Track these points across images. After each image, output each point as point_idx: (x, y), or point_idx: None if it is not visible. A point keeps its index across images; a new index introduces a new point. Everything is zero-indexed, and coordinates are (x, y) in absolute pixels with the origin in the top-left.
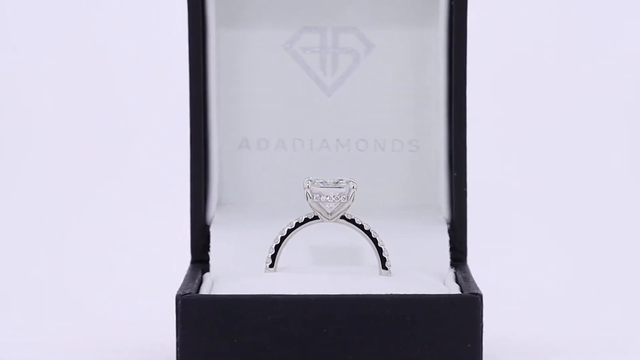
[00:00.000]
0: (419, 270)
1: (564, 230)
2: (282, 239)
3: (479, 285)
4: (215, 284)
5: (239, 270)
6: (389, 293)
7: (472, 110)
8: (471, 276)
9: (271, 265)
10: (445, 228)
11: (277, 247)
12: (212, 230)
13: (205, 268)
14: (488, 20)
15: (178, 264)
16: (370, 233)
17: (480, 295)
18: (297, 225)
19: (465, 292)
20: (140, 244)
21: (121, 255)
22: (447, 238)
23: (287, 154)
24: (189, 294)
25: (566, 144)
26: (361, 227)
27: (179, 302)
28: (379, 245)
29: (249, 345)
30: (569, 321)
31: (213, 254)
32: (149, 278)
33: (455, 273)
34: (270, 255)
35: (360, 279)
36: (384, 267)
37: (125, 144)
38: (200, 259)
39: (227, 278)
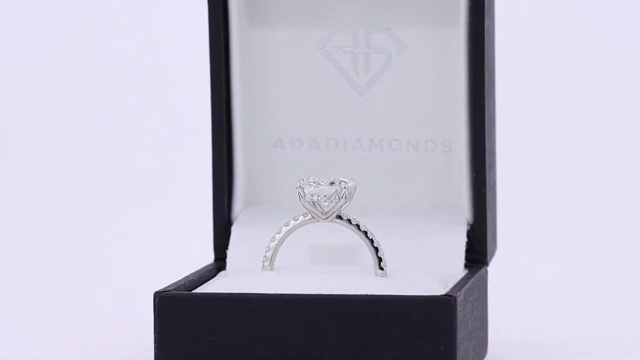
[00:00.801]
0: (418, 271)
1: (593, 233)
2: (279, 238)
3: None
4: (215, 282)
5: (253, 269)
6: (370, 293)
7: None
8: (474, 277)
9: (268, 264)
10: (464, 229)
11: (274, 247)
12: (233, 228)
13: (225, 266)
14: (513, 20)
15: (203, 263)
16: (367, 233)
17: (454, 298)
18: (293, 225)
19: (440, 294)
20: (166, 243)
21: (144, 254)
22: (464, 239)
23: (320, 154)
24: (167, 291)
25: (597, 144)
26: (357, 227)
27: (156, 299)
28: (375, 245)
29: (224, 343)
30: (587, 325)
31: (231, 252)
32: (173, 276)
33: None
34: (266, 254)
35: (351, 279)
36: (380, 268)
37: (150, 144)
38: (223, 257)
39: (230, 276)
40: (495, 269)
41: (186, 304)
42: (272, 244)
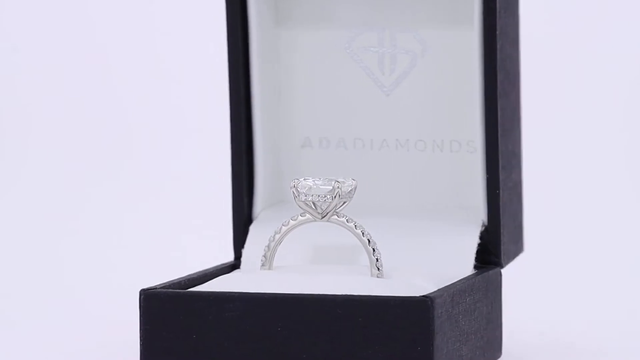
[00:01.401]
0: (416, 271)
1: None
2: (277, 237)
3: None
4: (214, 280)
5: (281, 266)
6: (352, 293)
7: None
8: (476, 279)
9: (266, 263)
10: (477, 230)
11: (273, 246)
12: (251, 227)
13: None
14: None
15: (222, 261)
16: (363, 233)
17: (430, 299)
18: (291, 224)
19: (417, 296)
20: (189, 241)
21: (165, 252)
22: (475, 240)
23: (347, 153)
24: (152, 288)
25: (634, 145)
26: (353, 227)
27: (142, 296)
28: (371, 245)
29: (207, 341)
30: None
31: (246, 250)
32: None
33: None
34: (265, 253)
35: (343, 279)
36: (375, 268)
37: (172, 143)
38: (241, 255)
39: (231, 274)
40: (519, 270)
41: (170, 302)
42: (270, 243)
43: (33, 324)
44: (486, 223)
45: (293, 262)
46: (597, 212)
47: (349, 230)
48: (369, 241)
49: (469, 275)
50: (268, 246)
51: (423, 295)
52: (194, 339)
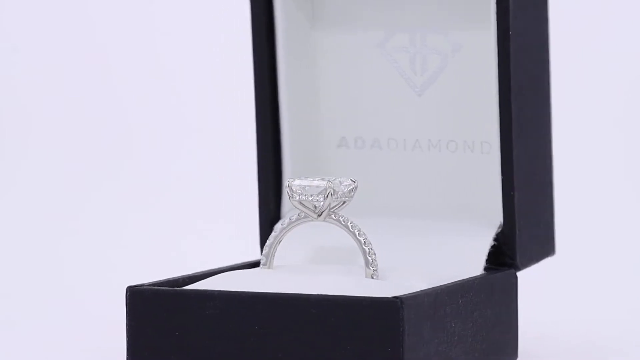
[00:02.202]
0: (414, 272)
1: None
2: (275, 236)
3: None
4: (213, 278)
5: (281, 265)
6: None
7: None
8: (474, 280)
9: (266, 262)
10: (493, 231)
11: (272, 245)
12: (276, 226)
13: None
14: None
15: (250, 259)
16: (358, 234)
17: (400, 300)
18: (289, 223)
19: (389, 296)
20: (216, 241)
21: (193, 250)
22: (488, 242)
23: (382, 153)
24: (138, 285)
25: None
26: (348, 227)
27: (128, 293)
28: (366, 246)
29: (188, 338)
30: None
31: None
32: None
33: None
34: (264, 252)
35: (336, 279)
36: (370, 268)
37: (201, 143)
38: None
39: (233, 273)
40: (544, 273)
41: (154, 299)
42: (269, 242)
43: (35, 323)
44: (501, 225)
45: (297, 261)
46: (631, 214)
47: (345, 229)
48: (364, 241)
49: (471, 277)
50: (267, 245)
51: (394, 296)
52: (177, 336)
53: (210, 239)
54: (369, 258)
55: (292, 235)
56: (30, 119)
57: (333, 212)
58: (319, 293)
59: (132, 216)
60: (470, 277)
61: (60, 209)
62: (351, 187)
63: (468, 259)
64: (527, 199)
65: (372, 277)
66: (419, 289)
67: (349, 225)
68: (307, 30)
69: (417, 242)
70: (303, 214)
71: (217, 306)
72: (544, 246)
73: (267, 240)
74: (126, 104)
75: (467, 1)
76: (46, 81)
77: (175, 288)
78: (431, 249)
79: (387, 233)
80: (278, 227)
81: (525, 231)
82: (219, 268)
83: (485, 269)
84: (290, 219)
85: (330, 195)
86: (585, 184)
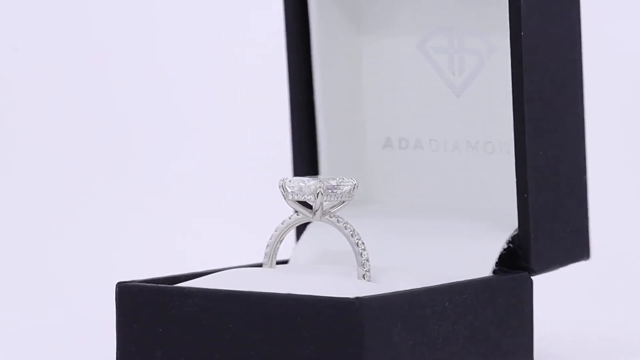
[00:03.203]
0: (410, 273)
1: None
2: (276, 236)
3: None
4: (212, 276)
5: (318, 266)
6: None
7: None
8: (470, 282)
9: (268, 261)
10: (506, 234)
11: (273, 244)
12: (309, 226)
13: None
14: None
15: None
16: (352, 234)
17: (360, 300)
18: (288, 223)
19: (350, 297)
20: (220, 241)
21: (201, 250)
22: (500, 244)
23: (424, 154)
24: (128, 282)
25: None
26: (342, 227)
27: (117, 289)
28: (359, 247)
29: (170, 334)
30: None
31: (297, 247)
32: None
33: None
34: (265, 252)
35: (325, 279)
36: (362, 269)
37: (234, 143)
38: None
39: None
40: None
41: (140, 295)
42: (270, 241)
43: (35, 322)
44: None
45: (306, 260)
46: None
47: (339, 230)
48: (357, 242)
49: (467, 279)
50: (268, 244)
51: (355, 297)
52: (160, 332)
53: (220, 239)
54: (362, 259)
55: (306, 233)
56: (30, 119)
57: (329, 211)
58: (289, 292)
59: (136, 216)
60: (465, 279)
61: (60, 209)
62: (351, 186)
63: (477, 261)
64: (547, 202)
65: (364, 278)
66: (401, 290)
67: (345, 226)
68: (351, 33)
69: (431, 243)
70: (300, 214)
71: (195, 303)
72: (571, 250)
73: (268, 240)
74: (126, 103)
75: (500, 2)
76: (46, 81)
77: (159, 285)
78: (443, 250)
79: (408, 233)
80: (279, 227)
81: (543, 235)
82: (223, 268)
83: (497, 271)
84: (289, 219)
85: (320, 194)
86: (621, 186)
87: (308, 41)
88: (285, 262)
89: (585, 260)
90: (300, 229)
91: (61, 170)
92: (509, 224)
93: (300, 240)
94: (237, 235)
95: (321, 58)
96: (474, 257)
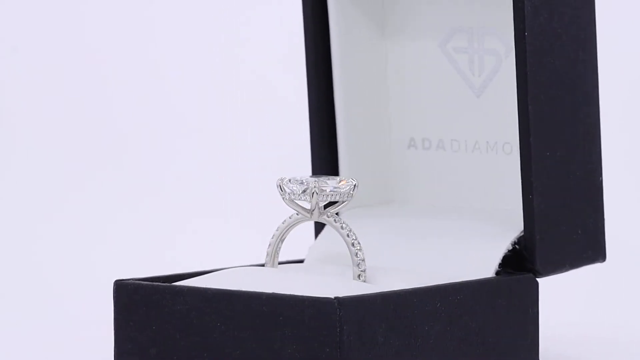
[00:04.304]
0: (408, 273)
1: None
2: (277, 235)
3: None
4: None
5: (319, 266)
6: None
7: None
8: (466, 283)
9: (269, 261)
10: (511, 235)
11: (274, 243)
12: (278, 226)
13: None
14: None
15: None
16: (348, 235)
17: (338, 300)
18: (288, 222)
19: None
20: (223, 241)
21: (205, 250)
22: (505, 245)
23: (446, 155)
24: (125, 279)
25: None
26: (339, 227)
27: (115, 286)
28: (355, 247)
29: (163, 333)
30: None
31: (313, 246)
32: None
33: None
34: (267, 251)
35: (319, 280)
36: (357, 269)
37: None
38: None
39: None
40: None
41: (136, 293)
42: (271, 240)
43: (35, 321)
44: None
45: (314, 260)
46: None
47: (336, 229)
48: (353, 242)
49: (463, 280)
50: (270, 243)
51: (335, 297)
52: (154, 329)
53: (220, 239)
54: (357, 259)
55: (327, 232)
56: (29, 119)
57: (326, 211)
58: (272, 292)
59: (136, 216)
60: (461, 280)
61: (60, 207)
62: (350, 187)
63: (479, 262)
64: (554, 204)
65: (359, 278)
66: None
67: (341, 226)
68: (373, 35)
69: (444, 243)
70: (299, 214)
71: (186, 302)
72: (583, 252)
73: (270, 239)
74: (126, 103)
75: None
76: (46, 81)
77: (153, 283)
78: (448, 250)
79: (423, 233)
80: (280, 226)
81: (550, 236)
82: (223, 268)
83: (501, 272)
84: (289, 218)
85: (315, 194)
86: (634, 187)
87: (327, 44)
88: (300, 261)
89: (601, 262)
90: (318, 229)
91: (61, 170)
92: (519, 225)
93: (316, 240)
94: (237, 235)
95: (342, 60)
96: (476, 258)
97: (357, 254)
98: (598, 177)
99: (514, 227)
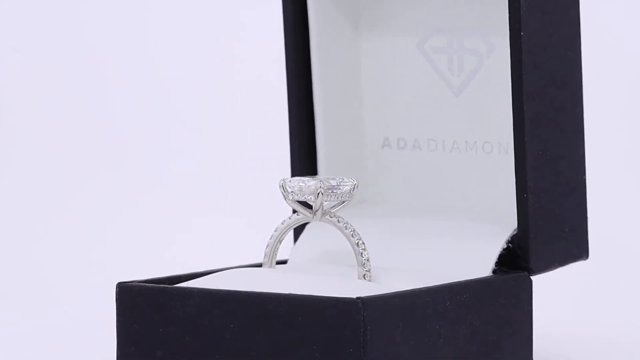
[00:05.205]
0: (411, 273)
1: None
2: (276, 236)
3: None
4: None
5: (308, 265)
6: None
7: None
8: (469, 282)
9: (267, 261)
10: (505, 234)
11: (272, 244)
12: (308, 227)
13: None
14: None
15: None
16: (352, 235)
17: (362, 300)
18: (288, 223)
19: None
20: (224, 241)
21: (204, 250)
22: (500, 244)
23: (422, 154)
24: (128, 282)
25: None
26: (343, 227)
27: (117, 289)
28: (360, 247)
29: (171, 334)
30: None
31: (295, 248)
32: None
33: None
34: (265, 252)
35: (323, 280)
36: (362, 269)
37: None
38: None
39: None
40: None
41: (141, 296)
42: (270, 241)
43: (37, 324)
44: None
45: (308, 260)
46: None
47: (340, 230)
48: (357, 242)
49: (467, 279)
50: (268, 244)
51: (357, 297)
52: (161, 332)
53: (220, 239)
54: (362, 259)
55: (305, 234)
56: (29, 119)
57: (329, 211)
58: (290, 292)
59: (136, 216)
60: (465, 279)
61: (59, 208)
62: (351, 186)
63: (477, 261)
64: (546, 202)
65: (364, 278)
66: (403, 290)
67: (345, 226)
68: (350, 33)
69: (430, 243)
70: (300, 214)
71: (195, 303)
72: (570, 250)
73: (268, 240)
74: (126, 103)
75: (499, 3)
76: (45, 81)
77: (159, 285)
78: (443, 250)
79: (406, 233)
80: (279, 227)
81: (542, 235)
82: (223, 268)
83: (497, 271)
84: (289, 219)
85: (321, 194)
86: (620, 185)
87: (307, 41)
88: (284, 262)
89: (584, 260)
90: (298, 230)
91: (61, 170)
92: (508, 224)
93: (298, 241)
94: (237, 235)
95: (320, 58)
96: (473, 257)
97: (362, 253)
98: (582, 176)
99: (502, 225)
